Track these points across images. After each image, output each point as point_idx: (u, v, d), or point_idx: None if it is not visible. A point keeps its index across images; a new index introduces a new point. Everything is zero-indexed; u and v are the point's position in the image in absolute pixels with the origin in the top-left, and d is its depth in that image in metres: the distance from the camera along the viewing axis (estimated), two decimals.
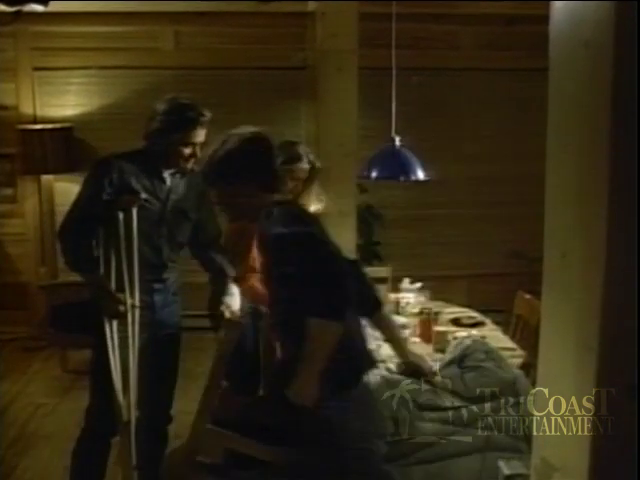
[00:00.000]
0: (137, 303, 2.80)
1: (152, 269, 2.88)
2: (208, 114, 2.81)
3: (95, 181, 2.82)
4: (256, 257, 3.40)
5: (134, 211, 2.77)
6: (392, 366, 2.83)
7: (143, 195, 2.78)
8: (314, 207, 3.57)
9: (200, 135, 2.81)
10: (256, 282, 3.38)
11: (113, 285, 2.80)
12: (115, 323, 2.79)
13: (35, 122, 5.54)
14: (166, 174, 2.88)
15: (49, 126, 5.44)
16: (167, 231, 2.90)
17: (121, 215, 2.76)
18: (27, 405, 4.37)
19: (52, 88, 5.62)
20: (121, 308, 2.76)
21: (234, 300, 3.06)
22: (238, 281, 3.29)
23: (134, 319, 2.79)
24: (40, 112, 5.61)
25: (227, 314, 3.00)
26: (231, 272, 3.08)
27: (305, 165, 3.38)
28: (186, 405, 3.61)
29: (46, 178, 5.63)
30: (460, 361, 2.36)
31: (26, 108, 5.60)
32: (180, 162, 2.83)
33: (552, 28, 1.21)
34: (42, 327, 5.18)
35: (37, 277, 5.67)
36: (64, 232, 2.84)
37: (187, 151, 2.79)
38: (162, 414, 3.07)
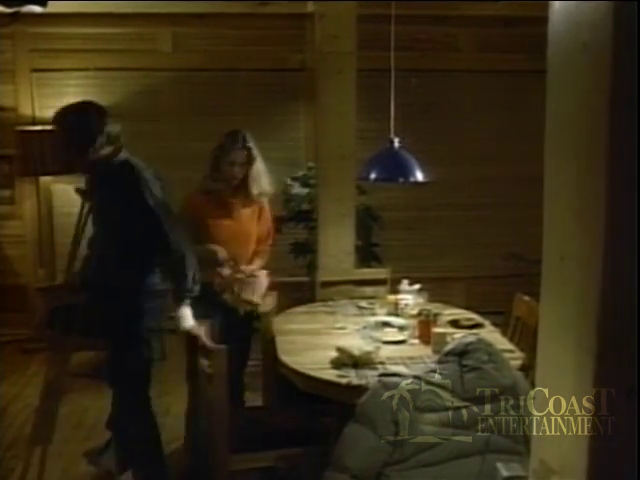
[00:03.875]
0: None
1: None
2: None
3: None
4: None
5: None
6: (391, 367, 2.84)
7: (78, 186, 3.00)
8: (259, 190, 3.56)
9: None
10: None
11: None
12: None
13: (34, 123, 5.53)
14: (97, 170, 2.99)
15: (48, 127, 5.43)
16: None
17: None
18: (25, 407, 4.35)
19: (50, 89, 5.62)
20: None
21: (188, 321, 2.98)
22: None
23: None
24: (39, 113, 5.61)
25: (207, 343, 2.91)
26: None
27: (240, 150, 3.42)
28: (185, 407, 3.61)
29: (44, 180, 5.62)
30: (460, 356, 2.34)
31: (24, 109, 5.60)
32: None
33: (550, 30, 1.21)
34: (40, 329, 5.17)
35: (35, 279, 5.67)
36: None
37: None
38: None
